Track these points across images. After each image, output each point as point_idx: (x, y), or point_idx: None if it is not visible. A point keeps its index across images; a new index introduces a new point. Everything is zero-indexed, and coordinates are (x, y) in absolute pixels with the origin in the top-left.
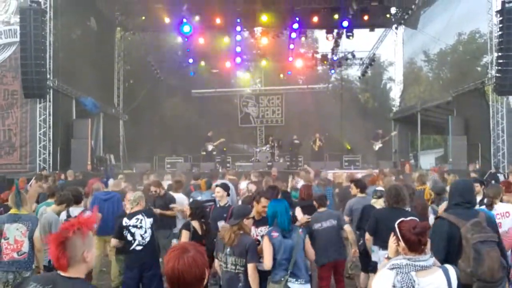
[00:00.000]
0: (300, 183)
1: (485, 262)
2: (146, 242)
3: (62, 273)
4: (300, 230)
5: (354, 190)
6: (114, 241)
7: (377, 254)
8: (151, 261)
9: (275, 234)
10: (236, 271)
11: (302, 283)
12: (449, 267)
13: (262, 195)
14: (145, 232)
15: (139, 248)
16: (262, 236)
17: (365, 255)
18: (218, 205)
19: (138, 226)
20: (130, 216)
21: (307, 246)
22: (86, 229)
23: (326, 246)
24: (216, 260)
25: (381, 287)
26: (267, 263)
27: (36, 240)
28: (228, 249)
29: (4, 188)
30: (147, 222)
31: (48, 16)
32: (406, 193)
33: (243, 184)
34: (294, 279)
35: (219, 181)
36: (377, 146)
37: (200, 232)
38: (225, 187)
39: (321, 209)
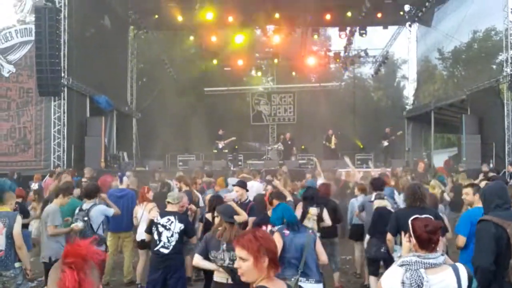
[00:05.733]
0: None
1: None
2: (171, 246)
3: None
4: (311, 231)
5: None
6: (147, 237)
7: (399, 254)
8: (176, 264)
9: (286, 232)
10: None
11: (312, 283)
12: (459, 265)
13: (274, 196)
14: (172, 235)
15: (163, 250)
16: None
17: (374, 260)
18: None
19: (167, 227)
20: (163, 215)
21: (319, 249)
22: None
23: None
24: (196, 256)
25: (391, 283)
26: None
27: (17, 237)
28: (225, 245)
29: (19, 185)
30: (177, 226)
31: (63, 15)
32: (423, 191)
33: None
34: (305, 279)
35: (229, 179)
36: (384, 144)
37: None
38: (242, 185)
39: None
